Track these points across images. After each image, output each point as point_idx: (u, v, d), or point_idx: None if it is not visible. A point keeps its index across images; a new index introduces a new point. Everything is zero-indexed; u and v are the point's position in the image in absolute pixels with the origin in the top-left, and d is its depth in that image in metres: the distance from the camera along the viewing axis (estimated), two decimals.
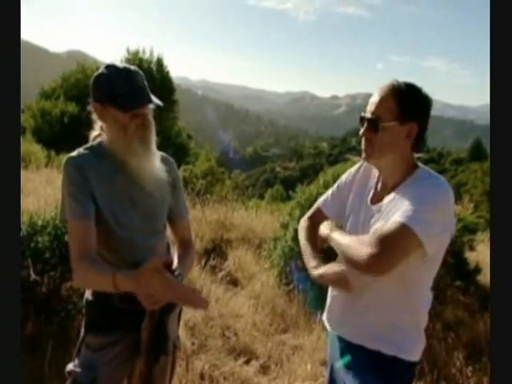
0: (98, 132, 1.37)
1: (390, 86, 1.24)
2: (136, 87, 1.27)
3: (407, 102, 1.21)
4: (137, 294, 1.11)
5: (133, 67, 1.32)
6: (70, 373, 1.31)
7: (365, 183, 1.43)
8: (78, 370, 1.30)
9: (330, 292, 1.48)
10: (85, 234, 1.23)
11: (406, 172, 1.28)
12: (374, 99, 1.26)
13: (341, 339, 1.39)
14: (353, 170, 1.51)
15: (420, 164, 1.31)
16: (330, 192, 1.54)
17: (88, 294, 1.38)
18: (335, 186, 1.54)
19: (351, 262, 1.21)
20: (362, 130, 1.28)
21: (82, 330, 1.37)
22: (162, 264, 1.10)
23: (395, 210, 1.20)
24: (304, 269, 3.96)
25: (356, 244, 1.20)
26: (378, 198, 1.34)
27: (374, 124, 1.24)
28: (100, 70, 1.30)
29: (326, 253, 1.54)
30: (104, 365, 1.30)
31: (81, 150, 1.32)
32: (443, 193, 1.20)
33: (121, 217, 1.30)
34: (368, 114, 1.26)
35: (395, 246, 1.13)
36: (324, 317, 1.51)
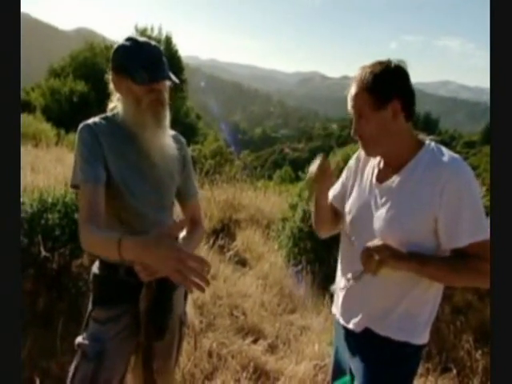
0: (115, 104, 1.37)
1: (358, 80, 1.23)
2: (153, 62, 1.27)
3: (377, 87, 1.19)
4: (135, 264, 1.06)
5: (153, 42, 1.32)
6: (79, 345, 1.33)
7: (368, 162, 1.42)
8: (86, 342, 1.31)
9: (339, 283, 1.46)
10: (94, 197, 1.22)
11: (410, 150, 1.25)
12: (350, 95, 1.26)
13: (348, 329, 1.38)
14: (358, 154, 1.50)
15: (427, 141, 1.27)
16: (339, 182, 1.53)
17: (95, 268, 1.39)
18: (343, 174, 1.53)
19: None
20: (352, 130, 1.29)
21: (90, 304, 1.38)
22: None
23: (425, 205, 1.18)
24: (312, 250, 3.98)
25: (478, 275, 1.17)
26: (383, 177, 1.31)
27: (357, 119, 1.25)
28: (120, 42, 1.30)
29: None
30: (110, 338, 1.32)
31: (96, 118, 1.33)
32: (473, 178, 1.19)
33: (132, 186, 1.30)
34: (350, 110, 1.27)
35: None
36: (333, 310, 1.49)
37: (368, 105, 1.21)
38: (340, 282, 1.44)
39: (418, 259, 1.18)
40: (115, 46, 1.31)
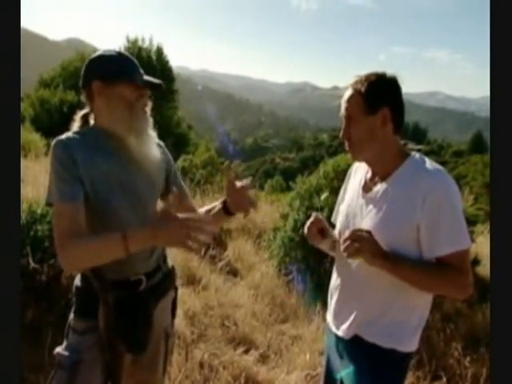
0: (79, 123, 1.35)
1: (353, 83, 1.30)
2: (141, 70, 1.31)
3: (371, 93, 1.25)
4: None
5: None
6: (57, 355, 1.32)
7: (357, 174, 1.47)
8: (64, 353, 1.30)
9: (332, 292, 1.48)
10: (75, 216, 1.18)
11: (395, 160, 1.29)
12: (343, 99, 1.31)
13: (338, 336, 1.40)
14: (350, 170, 1.55)
15: (412, 152, 1.32)
16: (338, 203, 1.58)
17: (77, 281, 1.38)
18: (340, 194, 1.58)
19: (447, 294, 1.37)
20: (341, 132, 1.32)
21: (71, 315, 1.37)
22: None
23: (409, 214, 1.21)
24: (303, 259, 3.99)
25: (453, 286, 1.23)
26: (369, 187, 1.35)
27: (348, 122, 1.30)
28: (99, 53, 1.31)
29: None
30: (87, 349, 1.30)
31: (70, 134, 1.29)
32: (455, 190, 1.22)
33: (110, 200, 1.27)
34: (342, 113, 1.32)
35: (469, 269, 1.23)
36: (327, 317, 1.51)
37: (359, 108, 1.26)
38: (332, 287, 1.47)
39: (392, 259, 1.20)
40: (92, 57, 1.30)
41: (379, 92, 1.26)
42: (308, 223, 1.47)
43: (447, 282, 1.21)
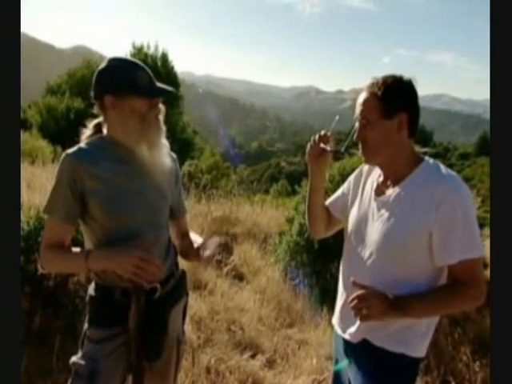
0: (90, 131, 1.36)
1: (370, 86, 1.26)
2: (150, 77, 1.30)
3: (388, 97, 1.22)
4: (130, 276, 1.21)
5: (133, 59, 1.36)
6: (73, 364, 1.32)
7: (369, 176, 1.43)
8: (80, 362, 1.31)
9: (340, 295, 1.47)
10: (56, 229, 1.30)
11: (409, 165, 1.27)
12: (359, 101, 1.28)
13: (346, 340, 1.39)
14: (361, 168, 1.51)
15: (426, 157, 1.30)
16: (339, 191, 1.54)
17: (91, 290, 1.39)
18: (345, 184, 1.54)
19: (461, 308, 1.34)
20: (355, 135, 1.30)
21: (85, 324, 1.38)
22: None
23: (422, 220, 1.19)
24: (309, 263, 3.98)
25: (465, 302, 1.22)
26: (382, 190, 1.33)
27: (363, 125, 1.27)
28: (107, 63, 1.29)
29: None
30: (104, 357, 1.30)
31: (81, 145, 1.31)
32: (469, 197, 1.21)
33: (122, 210, 1.28)
34: (357, 117, 1.29)
35: (482, 277, 1.21)
36: (333, 321, 1.50)
37: (376, 112, 1.23)
38: (340, 290, 1.45)
39: (401, 307, 1.17)
40: (101, 68, 1.29)
41: (397, 97, 1.22)
42: (316, 137, 1.39)
43: (459, 302, 1.21)
